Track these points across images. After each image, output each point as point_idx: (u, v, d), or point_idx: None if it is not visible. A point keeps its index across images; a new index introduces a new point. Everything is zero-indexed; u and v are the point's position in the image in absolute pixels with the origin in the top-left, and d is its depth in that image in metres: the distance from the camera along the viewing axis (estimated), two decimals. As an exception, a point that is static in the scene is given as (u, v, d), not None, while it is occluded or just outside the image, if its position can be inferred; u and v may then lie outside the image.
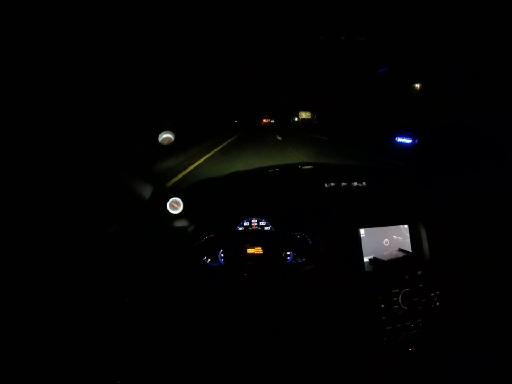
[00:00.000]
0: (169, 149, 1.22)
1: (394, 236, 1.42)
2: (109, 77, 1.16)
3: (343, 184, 1.54)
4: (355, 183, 1.55)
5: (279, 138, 18.62)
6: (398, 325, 1.24)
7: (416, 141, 2.82)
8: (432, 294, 1.28)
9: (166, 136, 1.20)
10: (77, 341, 0.99)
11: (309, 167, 1.82)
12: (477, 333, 1.30)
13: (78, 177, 1.02)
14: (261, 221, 1.49)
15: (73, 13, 0.90)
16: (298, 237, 1.44)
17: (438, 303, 1.28)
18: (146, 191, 1.26)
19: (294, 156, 9.02)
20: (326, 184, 1.53)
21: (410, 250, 1.40)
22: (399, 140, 3.12)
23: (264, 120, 51.11)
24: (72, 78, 0.98)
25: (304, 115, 37.56)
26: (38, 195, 0.91)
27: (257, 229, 1.49)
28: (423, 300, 1.26)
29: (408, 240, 1.41)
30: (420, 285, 1.26)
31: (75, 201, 1.02)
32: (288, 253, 1.43)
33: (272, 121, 48.81)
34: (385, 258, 1.33)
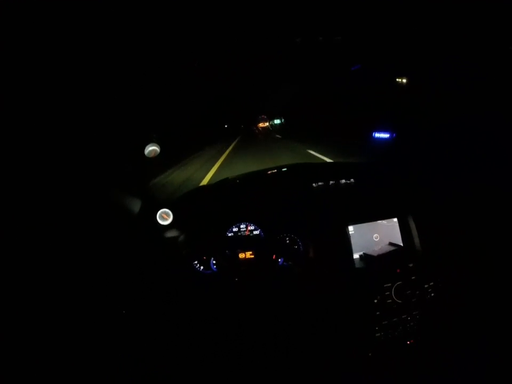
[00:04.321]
0: (159, 160, 1.23)
1: (383, 230, 1.44)
2: (98, 90, 1.16)
3: (331, 182, 1.56)
4: (343, 181, 1.56)
5: (279, 136, 18.92)
6: (395, 319, 1.26)
7: (394, 135, 2.87)
8: (426, 286, 1.30)
9: (152, 149, 1.20)
10: (74, 351, 0.99)
11: (295, 168, 1.83)
12: (474, 323, 1.32)
13: (69, 191, 1.02)
14: (250, 226, 1.49)
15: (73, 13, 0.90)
16: (287, 239, 1.45)
17: (432, 294, 1.30)
18: (136, 204, 1.27)
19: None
20: (314, 184, 1.55)
21: (401, 244, 1.42)
22: (377, 135, 3.18)
23: (261, 124, 42.35)
24: (59, 91, 0.97)
25: (276, 121, 37.92)
26: (31, 207, 0.92)
27: (246, 234, 1.49)
28: (417, 292, 1.28)
29: (399, 233, 1.44)
30: (412, 277, 1.28)
31: (67, 215, 1.02)
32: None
33: (277, 121, 38.05)
34: (375, 254, 1.34)
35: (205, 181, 7.03)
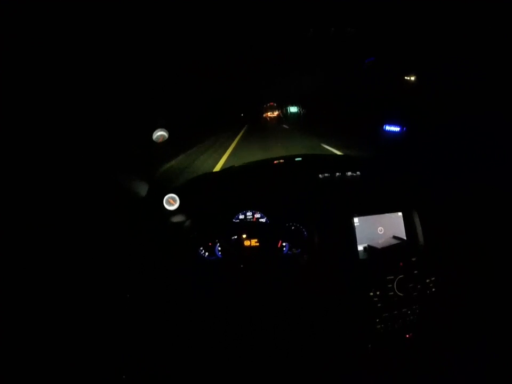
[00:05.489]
0: (166, 146, 1.23)
1: (388, 224, 1.44)
2: (106, 78, 1.16)
3: (337, 174, 1.56)
4: (349, 173, 1.56)
5: (286, 127, 18.36)
6: (395, 312, 1.27)
7: (405, 128, 2.84)
8: (428, 280, 1.30)
9: (160, 134, 1.21)
10: (77, 339, 1.00)
11: (302, 158, 1.83)
12: (474, 321, 1.33)
13: (76, 176, 1.03)
14: (256, 213, 1.50)
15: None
16: (293, 227, 1.46)
17: (433, 289, 1.31)
18: (143, 188, 1.28)
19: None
20: (320, 175, 1.55)
21: (405, 238, 1.42)
22: (387, 128, 3.14)
23: (269, 114, 35.04)
24: (69, 80, 0.98)
25: (292, 109, 30.75)
26: (37, 194, 0.92)
27: (252, 221, 1.50)
28: (418, 286, 1.28)
29: (403, 227, 1.44)
30: (415, 272, 1.29)
31: (74, 199, 1.03)
32: (284, 244, 1.45)
33: (294, 110, 30.17)
34: (379, 246, 1.35)
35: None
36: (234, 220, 1.49)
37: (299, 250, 1.43)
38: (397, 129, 3.03)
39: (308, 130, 14.63)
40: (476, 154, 1.65)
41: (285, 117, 31.93)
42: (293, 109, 30.57)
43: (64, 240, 1.00)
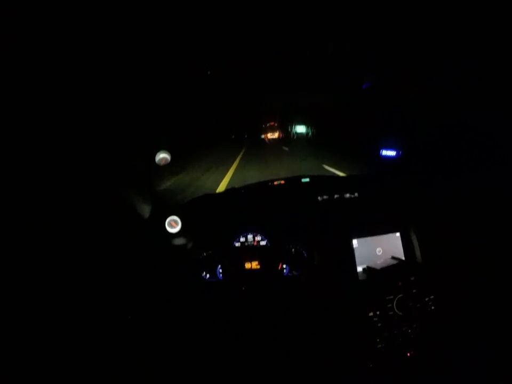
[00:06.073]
0: (168, 167, 1.25)
1: (386, 244, 1.46)
2: (109, 94, 1.19)
3: (336, 196, 1.59)
4: (347, 195, 1.60)
5: (286, 149, 17.68)
6: (395, 331, 1.27)
7: (400, 152, 2.91)
8: (427, 299, 1.31)
9: (162, 157, 1.23)
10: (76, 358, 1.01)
11: (302, 180, 1.88)
12: (475, 335, 1.34)
13: (78, 193, 1.05)
14: (257, 236, 1.53)
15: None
16: (293, 250, 1.48)
17: (433, 307, 1.32)
18: (146, 209, 1.30)
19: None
20: (319, 197, 1.58)
21: (403, 258, 1.45)
22: (384, 153, 3.21)
23: (269, 135, 31.78)
24: (70, 90, 1.00)
25: (299, 129, 26.18)
26: (39, 207, 0.94)
27: (253, 244, 1.53)
28: (418, 305, 1.29)
29: (401, 247, 1.47)
30: (414, 290, 1.30)
31: (77, 217, 1.05)
32: (284, 266, 1.47)
33: (301, 130, 25.45)
34: (378, 267, 1.37)
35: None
36: (235, 243, 1.52)
37: (299, 272, 1.45)
38: (393, 153, 3.09)
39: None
40: (475, 157, 1.68)
41: (289, 139, 26.97)
42: (301, 129, 25.83)
43: (68, 261, 1.02)
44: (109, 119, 1.26)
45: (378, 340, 1.26)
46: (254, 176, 9.00)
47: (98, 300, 1.11)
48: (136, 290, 1.25)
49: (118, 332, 1.17)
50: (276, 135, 32.14)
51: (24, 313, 0.91)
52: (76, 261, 1.06)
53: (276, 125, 32.55)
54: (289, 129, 28.17)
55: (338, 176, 2.03)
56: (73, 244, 1.05)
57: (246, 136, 31.23)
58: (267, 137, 32.51)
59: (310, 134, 23.52)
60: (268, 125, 33.86)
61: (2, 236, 0.88)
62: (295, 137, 26.88)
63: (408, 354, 1.29)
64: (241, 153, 16.16)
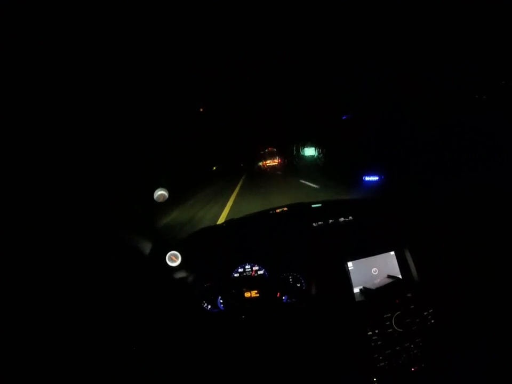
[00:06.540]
0: (166, 203, 1.29)
1: (381, 264, 1.50)
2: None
3: (330, 221, 1.64)
4: (342, 219, 1.65)
5: (279, 173, 18.69)
6: (397, 347, 1.29)
7: (382, 177, 3.04)
8: (425, 313, 1.34)
9: (160, 193, 1.27)
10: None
11: (297, 207, 1.93)
12: (478, 344, 1.35)
13: (79, 234, 1.08)
14: (254, 266, 1.56)
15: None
16: (290, 278, 1.52)
17: (432, 321, 1.34)
18: (147, 246, 1.33)
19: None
20: (314, 224, 1.64)
21: (399, 275, 1.48)
22: (367, 178, 3.35)
23: (267, 162, 29.49)
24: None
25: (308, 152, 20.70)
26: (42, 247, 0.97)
27: (251, 274, 1.56)
28: (417, 320, 1.32)
29: (396, 265, 1.50)
30: (411, 306, 1.34)
31: (80, 257, 1.07)
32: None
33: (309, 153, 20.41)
34: (374, 287, 1.40)
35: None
36: (234, 274, 1.55)
37: (298, 299, 1.48)
38: (375, 178, 3.24)
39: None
40: (475, 158, 1.77)
41: (293, 165, 23.12)
42: (309, 152, 21.55)
43: (72, 296, 1.03)
44: (107, 162, 1.30)
45: (380, 358, 1.28)
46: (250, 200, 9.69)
47: (104, 334, 1.11)
48: (140, 323, 1.25)
49: (124, 363, 1.16)
50: (276, 161, 29.86)
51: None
52: (81, 300, 1.07)
53: (275, 150, 30.67)
54: (294, 152, 24.40)
55: (331, 201, 2.07)
56: (76, 284, 1.07)
57: (242, 165, 29.60)
58: (265, 164, 30.19)
59: (319, 158, 19.60)
60: (266, 151, 32.03)
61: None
62: (302, 162, 22.72)
63: (413, 369, 1.30)
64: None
